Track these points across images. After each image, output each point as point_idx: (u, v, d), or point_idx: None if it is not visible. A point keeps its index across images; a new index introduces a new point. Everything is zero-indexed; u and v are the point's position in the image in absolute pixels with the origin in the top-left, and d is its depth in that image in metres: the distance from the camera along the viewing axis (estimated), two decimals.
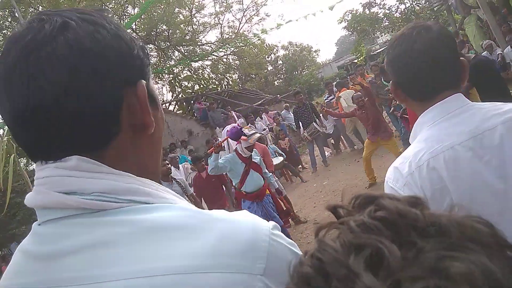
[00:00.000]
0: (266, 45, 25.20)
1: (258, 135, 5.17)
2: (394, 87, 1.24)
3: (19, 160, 6.24)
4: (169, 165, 5.48)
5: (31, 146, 0.59)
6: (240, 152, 5.10)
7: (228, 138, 5.09)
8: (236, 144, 5.12)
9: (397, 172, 1.14)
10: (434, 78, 1.15)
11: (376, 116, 6.87)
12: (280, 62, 31.71)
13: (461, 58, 1.18)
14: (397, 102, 6.24)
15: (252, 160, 5.19)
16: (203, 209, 0.70)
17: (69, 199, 0.55)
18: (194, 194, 6.05)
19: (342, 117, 8.76)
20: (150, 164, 0.67)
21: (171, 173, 5.23)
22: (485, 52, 10.14)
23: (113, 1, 16.99)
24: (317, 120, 9.74)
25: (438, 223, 0.34)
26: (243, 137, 4.92)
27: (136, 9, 17.54)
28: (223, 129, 12.41)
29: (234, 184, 5.36)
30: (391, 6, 18.82)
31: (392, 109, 6.96)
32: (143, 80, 0.63)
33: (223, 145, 5.24)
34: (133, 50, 0.62)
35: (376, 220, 0.34)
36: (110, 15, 0.63)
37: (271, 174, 5.88)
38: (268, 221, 0.61)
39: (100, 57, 0.57)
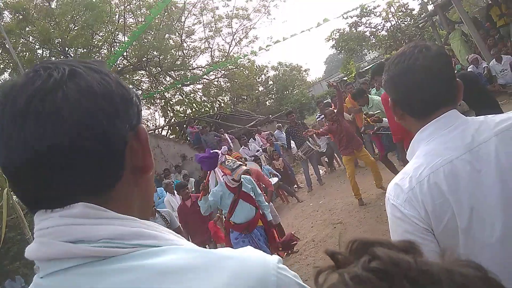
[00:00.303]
0: (256, 66, 25.49)
1: (243, 168, 4.84)
2: (393, 104, 1.27)
3: (11, 193, 6.16)
4: None
5: (37, 192, 0.58)
6: (228, 183, 4.86)
7: (214, 171, 4.85)
8: (222, 176, 4.86)
9: (397, 188, 1.17)
10: (433, 95, 1.18)
11: (348, 127, 6.97)
12: (270, 82, 32.02)
13: (457, 78, 1.23)
14: (368, 122, 6.29)
15: (242, 190, 4.92)
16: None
17: (76, 247, 0.54)
18: (181, 227, 5.65)
19: (320, 135, 8.71)
20: (147, 202, 0.69)
21: (153, 206, 5.08)
22: (471, 65, 10.33)
23: (104, 29, 17.18)
24: (310, 139, 9.79)
25: (430, 271, 0.35)
26: (226, 170, 4.68)
27: (127, 36, 17.76)
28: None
29: (223, 213, 5.10)
30: (377, 24, 19.24)
31: (363, 128, 7.03)
32: (142, 125, 0.66)
33: (209, 182, 5.00)
34: (132, 97, 0.65)
35: (369, 272, 0.35)
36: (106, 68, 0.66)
37: (267, 204, 5.48)
38: None
39: (108, 101, 0.59)
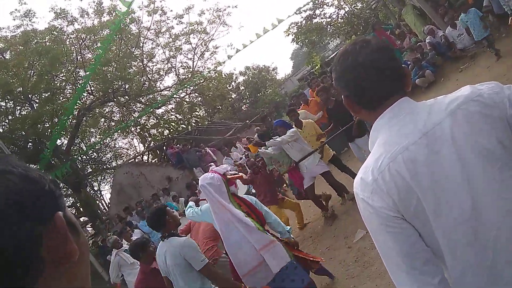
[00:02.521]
0: (224, 75, 25.48)
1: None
2: (346, 100, 1.30)
3: None
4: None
5: None
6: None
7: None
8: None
9: (362, 182, 1.20)
10: (381, 86, 1.22)
11: (270, 179, 7.00)
12: (242, 87, 32.05)
13: (403, 65, 1.27)
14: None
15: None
16: None
17: None
18: None
19: (244, 182, 7.41)
20: (82, 284, 0.68)
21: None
22: (428, 36, 10.57)
23: (63, 70, 16.93)
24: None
25: None
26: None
27: (87, 70, 17.52)
28: (201, 168, 12.29)
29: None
30: (331, 14, 19.41)
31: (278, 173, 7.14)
32: (59, 212, 0.64)
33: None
34: (44, 186, 0.63)
35: None
36: (15, 159, 0.64)
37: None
38: None
39: (10, 203, 0.58)
